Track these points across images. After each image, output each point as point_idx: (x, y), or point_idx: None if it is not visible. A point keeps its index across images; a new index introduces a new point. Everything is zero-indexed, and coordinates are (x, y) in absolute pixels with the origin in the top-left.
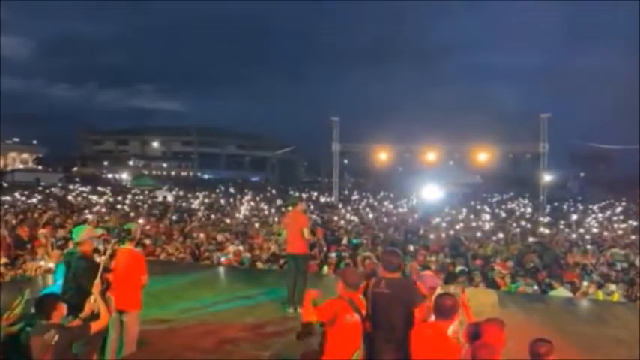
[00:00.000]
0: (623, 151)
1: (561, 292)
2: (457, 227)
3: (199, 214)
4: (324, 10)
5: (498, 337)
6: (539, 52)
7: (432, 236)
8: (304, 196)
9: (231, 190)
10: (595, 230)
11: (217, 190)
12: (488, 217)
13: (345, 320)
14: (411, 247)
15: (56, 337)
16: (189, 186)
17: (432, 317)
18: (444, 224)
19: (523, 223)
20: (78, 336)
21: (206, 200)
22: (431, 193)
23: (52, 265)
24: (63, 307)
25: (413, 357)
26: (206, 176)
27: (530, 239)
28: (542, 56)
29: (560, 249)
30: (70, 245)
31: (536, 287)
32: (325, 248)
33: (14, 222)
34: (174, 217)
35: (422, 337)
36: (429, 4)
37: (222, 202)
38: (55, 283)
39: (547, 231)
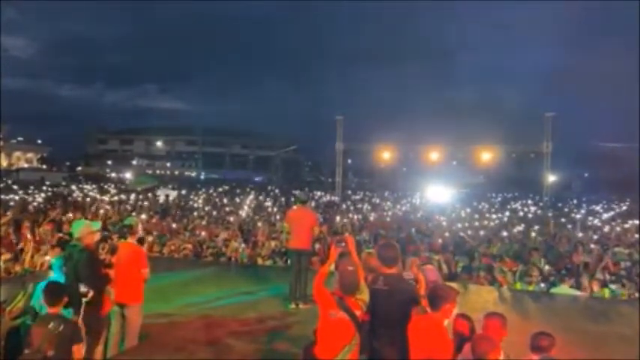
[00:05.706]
0: (628, 150)
1: (563, 289)
2: (459, 225)
3: (201, 211)
4: (328, 9)
5: (499, 331)
6: (543, 51)
7: (419, 231)
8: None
9: (237, 191)
10: (597, 232)
11: (220, 189)
12: (494, 216)
13: (330, 315)
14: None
15: (61, 328)
16: (192, 185)
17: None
18: (444, 223)
19: (525, 224)
20: (78, 331)
21: (209, 198)
22: (435, 192)
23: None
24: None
25: (410, 350)
26: (210, 176)
27: (533, 234)
28: (546, 56)
29: (564, 248)
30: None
31: (543, 285)
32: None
33: (17, 219)
34: (178, 212)
35: (418, 329)
36: (433, 5)
37: (225, 200)
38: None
39: (551, 230)
